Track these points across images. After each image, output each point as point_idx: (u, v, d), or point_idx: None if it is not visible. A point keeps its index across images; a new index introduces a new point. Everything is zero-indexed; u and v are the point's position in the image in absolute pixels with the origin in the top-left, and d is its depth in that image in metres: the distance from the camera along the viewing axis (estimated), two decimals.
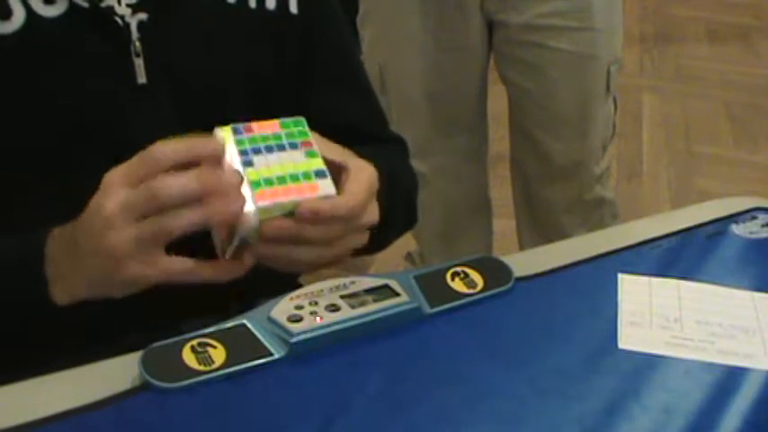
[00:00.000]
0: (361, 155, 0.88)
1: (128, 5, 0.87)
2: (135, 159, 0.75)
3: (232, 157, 0.79)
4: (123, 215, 0.73)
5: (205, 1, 0.91)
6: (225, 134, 0.81)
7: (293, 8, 0.97)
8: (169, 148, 0.75)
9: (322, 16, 1.01)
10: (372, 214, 0.84)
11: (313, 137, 0.83)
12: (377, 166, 0.91)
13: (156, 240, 0.74)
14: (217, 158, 0.76)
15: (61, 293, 0.79)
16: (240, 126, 0.82)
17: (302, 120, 0.84)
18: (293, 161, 0.80)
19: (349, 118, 1.03)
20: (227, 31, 0.93)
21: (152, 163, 0.74)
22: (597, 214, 1.73)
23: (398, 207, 0.97)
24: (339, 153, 0.85)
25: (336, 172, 0.82)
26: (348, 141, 1.01)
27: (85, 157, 0.87)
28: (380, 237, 0.92)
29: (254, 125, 0.82)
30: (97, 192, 0.75)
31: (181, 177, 0.73)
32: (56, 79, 0.85)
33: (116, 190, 0.74)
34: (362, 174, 0.83)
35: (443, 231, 1.80)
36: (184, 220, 0.74)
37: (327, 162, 0.81)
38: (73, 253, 0.77)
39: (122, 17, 0.86)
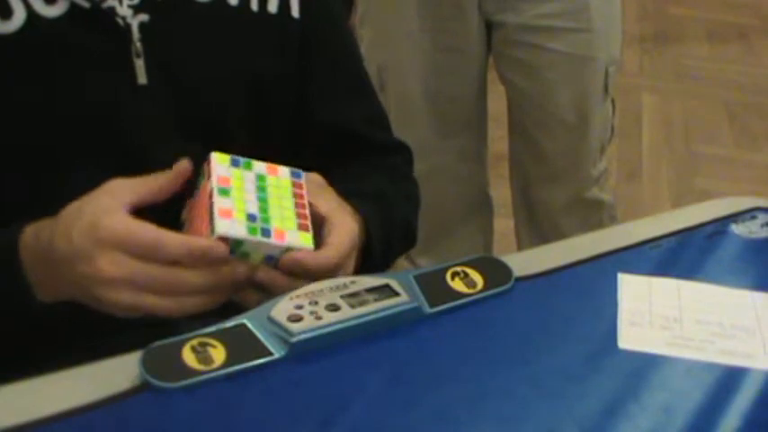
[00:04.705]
0: (353, 190, 0.89)
1: (129, 6, 0.87)
2: (143, 236, 0.75)
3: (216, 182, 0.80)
4: (123, 282, 0.74)
5: (207, 3, 0.91)
6: (221, 158, 0.82)
7: (295, 12, 0.97)
8: (182, 248, 0.75)
9: (324, 20, 1.00)
10: (349, 267, 0.86)
11: (306, 189, 0.85)
12: (371, 200, 0.92)
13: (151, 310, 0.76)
14: (224, 261, 0.78)
15: (42, 294, 0.79)
16: (239, 159, 0.83)
17: (301, 172, 0.86)
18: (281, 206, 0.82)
19: (350, 124, 1.03)
20: (228, 33, 0.93)
21: (159, 254, 0.75)
22: (595, 217, 1.73)
23: (395, 235, 0.98)
24: (329, 202, 0.86)
25: (319, 222, 0.84)
26: (348, 148, 1.02)
27: (85, 157, 0.87)
28: (379, 263, 0.92)
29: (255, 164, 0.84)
30: (86, 230, 0.74)
31: (196, 276, 0.76)
32: (56, 79, 0.85)
33: (114, 255, 0.74)
34: (344, 229, 0.84)
35: (442, 230, 1.80)
36: (186, 306, 0.76)
37: (312, 213, 0.84)
38: (51, 270, 0.77)
39: (124, 18, 0.86)
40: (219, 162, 0.81)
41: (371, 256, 0.91)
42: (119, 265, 0.74)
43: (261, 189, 0.82)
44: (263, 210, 0.81)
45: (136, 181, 0.79)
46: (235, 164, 0.82)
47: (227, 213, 0.78)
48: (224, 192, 0.79)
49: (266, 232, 0.80)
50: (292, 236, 0.81)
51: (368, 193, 0.95)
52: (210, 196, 0.79)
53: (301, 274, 0.81)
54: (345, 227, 0.85)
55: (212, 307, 0.78)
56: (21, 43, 0.83)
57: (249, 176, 0.82)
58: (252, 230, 0.79)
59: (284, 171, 0.85)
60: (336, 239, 0.83)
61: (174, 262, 0.76)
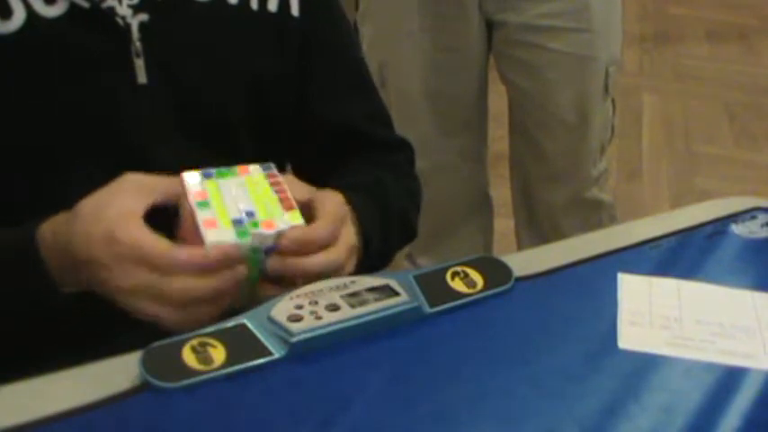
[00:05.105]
0: (349, 184, 0.89)
1: (129, 6, 0.87)
2: (157, 250, 0.75)
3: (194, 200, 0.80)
4: (141, 292, 0.75)
5: (206, 2, 0.91)
6: (191, 175, 0.82)
7: (295, 10, 0.97)
8: (194, 262, 0.76)
9: (324, 19, 1.00)
10: (350, 236, 0.86)
11: (283, 179, 0.85)
12: (368, 192, 0.92)
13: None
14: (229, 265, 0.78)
15: (65, 286, 0.79)
16: (211, 171, 0.83)
17: (270, 164, 0.86)
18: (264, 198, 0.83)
19: (351, 122, 1.03)
20: (228, 32, 0.93)
21: (172, 266, 0.75)
22: (595, 217, 1.73)
23: (393, 227, 0.98)
24: (306, 192, 0.86)
25: (305, 210, 0.84)
26: (350, 145, 1.01)
27: (84, 156, 0.87)
28: (377, 257, 0.92)
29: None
30: (106, 241, 0.75)
31: (205, 285, 0.76)
32: (56, 79, 0.85)
33: (130, 267, 0.75)
34: (329, 200, 0.85)
35: (443, 230, 1.80)
36: (198, 317, 0.77)
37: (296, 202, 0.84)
38: (71, 265, 0.77)
39: (123, 18, 0.86)
40: (191, 179, 0.82)
41: (369, 246, 0.91)
42: (135, 277, 0.75)
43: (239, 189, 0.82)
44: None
45: (153, 178, 0.80)
46: (207, 176, 0.82)
47: (211, 224, 0.79)
48: (203, 205, 0.80)
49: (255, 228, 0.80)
50: (280, 220, 0.81)
51: (363, 184, 0.94)
52: (192, 213, 0.79)
53: (304, 250, 0.81)
54: (330, 198, 0.86)
55: (220, 312, 0.79)
56: (20, 43, 0.83)
57: (224, 184, 0.82)
58: (240, 234, 0.79)
59: (254, 167, 0.86)
60: (325, 208, 0.84)
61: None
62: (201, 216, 0.79)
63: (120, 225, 0.75)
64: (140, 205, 0.77)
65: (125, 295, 0.76)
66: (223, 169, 0.84)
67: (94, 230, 0.75)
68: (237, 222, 0.80)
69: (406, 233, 1.04)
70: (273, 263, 0.81)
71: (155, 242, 0.76)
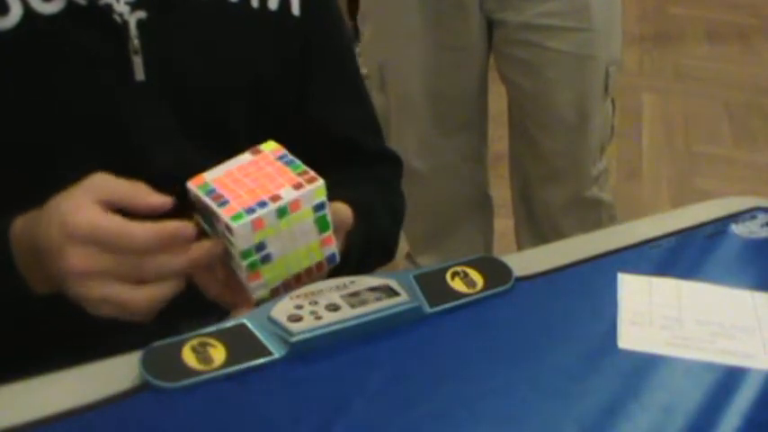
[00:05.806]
0: (348, 199, 0.89)
1: (126, 3, 0.86)
2: (109, 228, 0.74)
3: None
4: (93, 275, 0.74)
5: (206, 0, 0.91)
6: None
7: (295, 10, 0.96)
8: (150, 234, 0.75)
9: (323, 19, 1.00)
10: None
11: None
12: (358, 215, 0.91)
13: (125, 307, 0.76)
14: (190, 240, 0.77)
15: (36, 286, 0.79)
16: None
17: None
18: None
19: (344, 129, 1.03)
20: (227, 30, 0.93)
21: (127, 243, 0.74)
22: (594, 216, 1.73)
23: (373, 249, 0.98)
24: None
25: None
26: (340, 152, 1.01)
27: (83, 154, 0.87)
28: (352, 271, 0.93)
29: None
30: (61, 228, 0.74)
31: (166, 258, 0.75)
32: (53, 76, 0.85)
33: (83, 249, 0.74)
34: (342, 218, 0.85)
35: (442, 230, 1.80)
36: (160, 294, 0.76)
37: None
38: (39, 262, 0.77)
39: (121, 15, 0.86)
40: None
41: (347, 265, 0.91)
42: (88, 258, 0.74)
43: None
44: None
45: (119, 181, 0.78)
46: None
47: (231, 210, 0.78)
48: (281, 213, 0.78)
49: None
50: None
51: (357, 207, 0.94)
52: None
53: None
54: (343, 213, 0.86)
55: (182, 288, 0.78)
56: (17, 40, 0.83)
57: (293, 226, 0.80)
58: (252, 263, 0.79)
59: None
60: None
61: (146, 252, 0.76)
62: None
63: (74, 211, 0.75)
64: (96, 197, 0.76)
65: (76, 281, 0.74)
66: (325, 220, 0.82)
67: (52, 221, 0.75)
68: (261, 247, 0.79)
69: (385, 254, 1.04)
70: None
71: (105, 219, 0.75)
